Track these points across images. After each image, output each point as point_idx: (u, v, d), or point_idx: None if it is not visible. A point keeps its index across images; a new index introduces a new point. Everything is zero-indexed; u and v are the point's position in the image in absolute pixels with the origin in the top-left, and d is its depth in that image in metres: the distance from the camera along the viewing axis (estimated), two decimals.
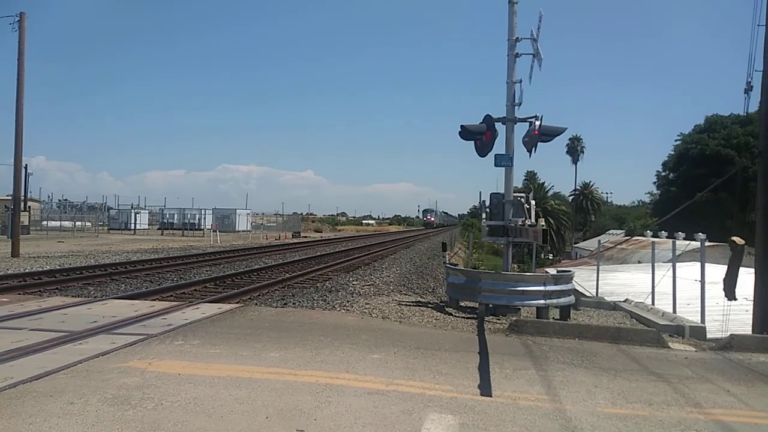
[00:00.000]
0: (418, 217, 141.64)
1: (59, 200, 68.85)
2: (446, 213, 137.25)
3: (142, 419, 4.26)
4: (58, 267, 16.64)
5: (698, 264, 10.87)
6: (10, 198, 27.67)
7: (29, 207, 45.06)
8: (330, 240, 45.82)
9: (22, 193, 29.51)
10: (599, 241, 24.08)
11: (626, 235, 42.50)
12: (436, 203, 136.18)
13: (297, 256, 25.22)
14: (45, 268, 16.22)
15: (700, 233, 11.07)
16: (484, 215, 11.73)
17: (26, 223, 37.21)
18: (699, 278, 10.25)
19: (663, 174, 59.47)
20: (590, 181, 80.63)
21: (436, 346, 7.33)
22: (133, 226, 53.60)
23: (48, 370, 5.42)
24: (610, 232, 57.47)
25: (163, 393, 4.88)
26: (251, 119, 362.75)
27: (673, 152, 57.09)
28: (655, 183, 62.68)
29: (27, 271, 15.40)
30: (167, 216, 57.26)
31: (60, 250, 25.85)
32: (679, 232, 26.85)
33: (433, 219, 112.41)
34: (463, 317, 10.08)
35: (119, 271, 16.15)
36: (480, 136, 11.04)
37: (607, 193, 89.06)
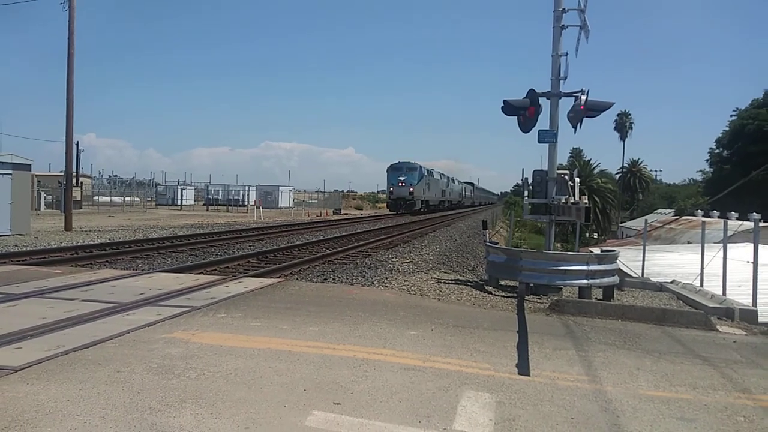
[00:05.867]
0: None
1: (110, 176, 71.30)
2: (473, 185, 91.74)
3: (185, 388, 4.39)
4: (108, 241, 17.27)
5: (752, 245, 10.42)
6: (63, 174, 28.76)
7: (81, 183, 46.73)
8: (370, 217, 45.92)
9: (74, 169, 30.56)
10: (646, 220, 23.33)
11: (676, 215, 41.15)
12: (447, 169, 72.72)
13: (337, 232, 25.42)
14: (96, 242, 16.86)
15: (754, 213, 10.59)
16: (526, 193, 11.53)
17: (79, 198, 38.69)
18: (752, 260, 9.83)
19: (716, 151, 57.29)
20: (639, 159, 78.52)
21: (475, 324, 7.29)
22: (179, 202, 54.99)
23: (97, 339, 5.64)
24: (659, 211, 55.77)
25: (205, 363, 5.01)
26: (293, 93, 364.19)
27: (727, 128, 54.86)
28: (707, 161, 60.61)
29: (79, 244, 16.02)
30: (212, 192, 58.64)
31: (110, 224, 26.77)
32: (732, 212, 25.81)
33: (412, 190, 46.81)
34: (503, 296, 9.98)
35: (166, 245, 16.63)
36: (523, 112, 10.80)
37: (656, 171, 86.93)
